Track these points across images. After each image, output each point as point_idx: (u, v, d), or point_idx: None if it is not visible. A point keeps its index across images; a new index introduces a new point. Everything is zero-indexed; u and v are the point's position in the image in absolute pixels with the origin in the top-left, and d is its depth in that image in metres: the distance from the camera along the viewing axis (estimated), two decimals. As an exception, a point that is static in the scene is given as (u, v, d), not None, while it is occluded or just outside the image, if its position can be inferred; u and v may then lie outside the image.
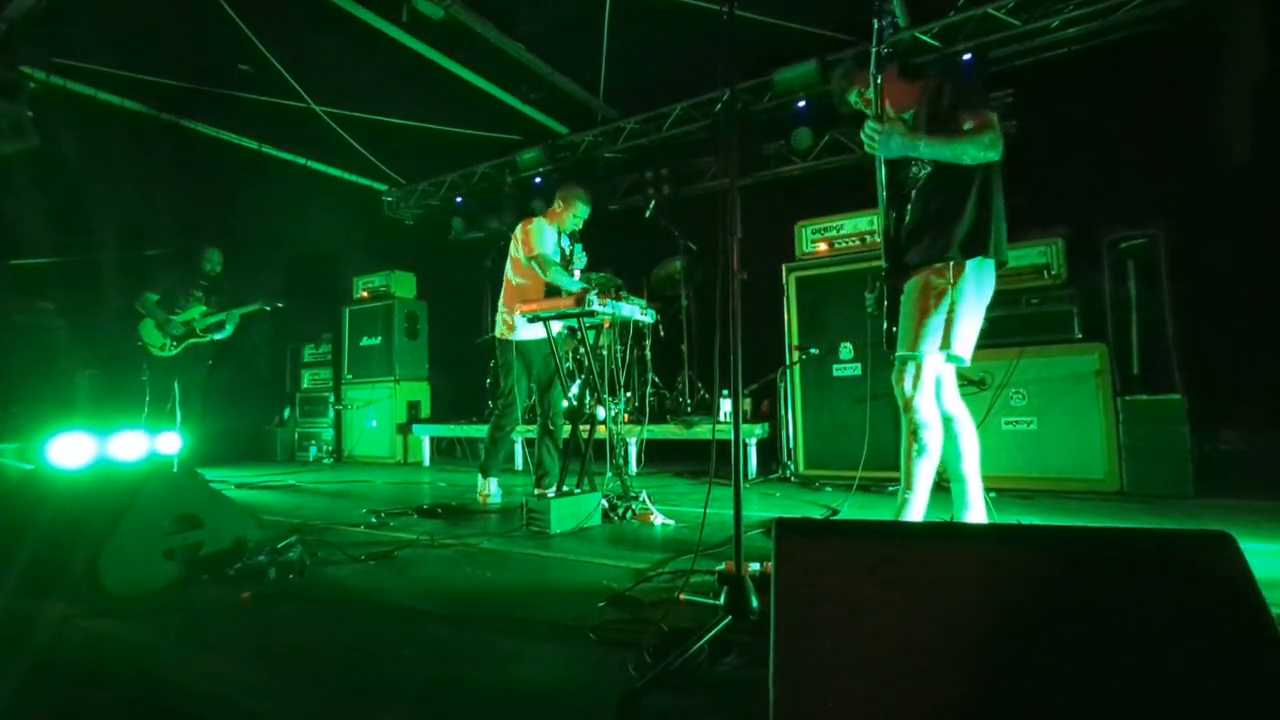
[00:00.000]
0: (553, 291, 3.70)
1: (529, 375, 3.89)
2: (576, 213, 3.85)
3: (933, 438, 2.29)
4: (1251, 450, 4.14)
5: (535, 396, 4.03)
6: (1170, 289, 3.83)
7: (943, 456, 2.38)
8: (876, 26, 2.35)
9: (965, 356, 2.29)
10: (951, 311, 2.22)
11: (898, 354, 2.36)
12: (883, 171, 2.40)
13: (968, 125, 2.16)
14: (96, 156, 5.56)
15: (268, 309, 5.35)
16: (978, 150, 2.15)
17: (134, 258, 5.72)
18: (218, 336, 5.21)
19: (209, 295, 5.20)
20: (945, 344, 2.24)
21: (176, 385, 5.10)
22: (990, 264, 2.26)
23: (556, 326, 3.73)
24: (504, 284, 3.93)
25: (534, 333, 3.76)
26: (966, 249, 2.22)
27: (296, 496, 4.42)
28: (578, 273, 3.77)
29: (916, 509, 2.31)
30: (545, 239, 3.77)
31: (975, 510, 2.34)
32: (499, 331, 3.92)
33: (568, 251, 3.88)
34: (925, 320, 2.25)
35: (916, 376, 2.27)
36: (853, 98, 2.51)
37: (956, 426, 2.35)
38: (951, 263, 2.23)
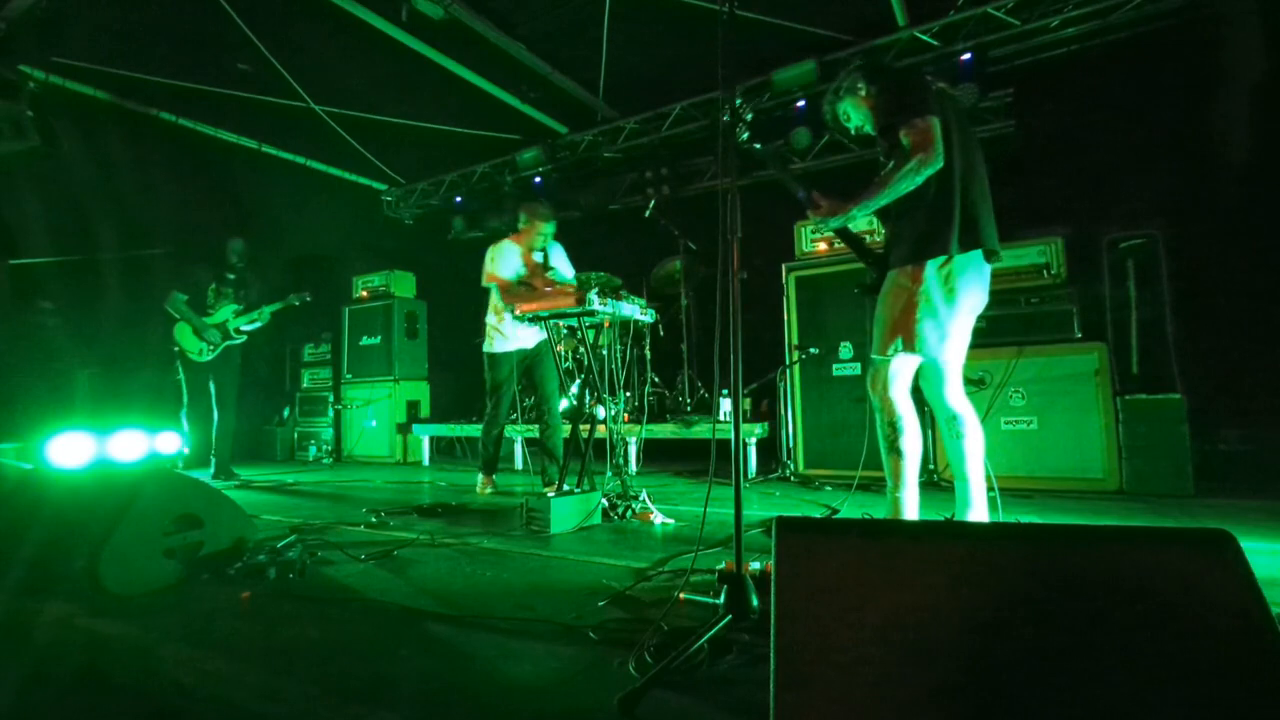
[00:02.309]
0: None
1: (507, 382, 4.04)
2: (540, 230, 3.98)
3: (906, 440, 2.29)
4: (1251, 450, 4.15)
5: (532, 401, 4.16)
6: (1170, 289, 3.83)
7: (947, 455, 2.39)
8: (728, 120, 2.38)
9: (937, 358, 2.28)
10: (912, 313, 2.23)
11: (870, 356, 2.38)
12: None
13: (904, 140, 2.14)
14: (96, 156, 5.55)
15: (296, 303, 5.25)
16: (909, 182, 2.14)
17: (137, 257, 5.71)
18: (247, 329, 5.12)
19: (238, 291, 5.07)
20: (909, 346, 2.24)
21: (212, 385, 5.02)
22: (961, 261, 2.21)
23: (535, 336, 3.84)
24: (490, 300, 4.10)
25: (505, 345, 4.01)
26: (923, 251, 2.23)
27: (296, 496, 4.42)
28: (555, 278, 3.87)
29: (909, 506, 2.30)
30: (502, 263, 3.93)
31: (977, 509, 2.33)
32: (485, 345, 4.14)
33: (542, 261, 3.98)
34: (888, 323, 2.29)
35: (885, 378, 2.29)
36: (829, 118, 2.54)
37: (962, 426, 2.34)
38: (910, 266, 2.25)
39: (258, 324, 5.12)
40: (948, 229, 2.19)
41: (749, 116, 2.39)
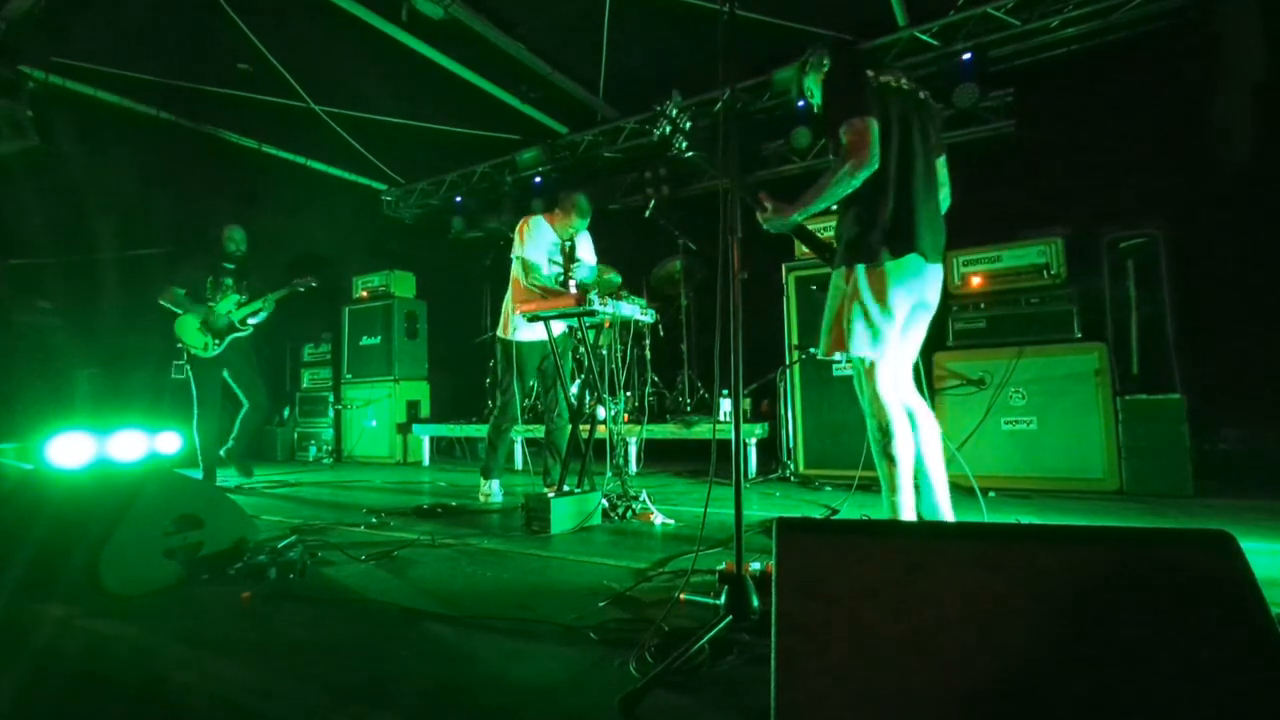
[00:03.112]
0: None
1: (524, 375, 3.90)
2: (573, 224, 3.87)
3: (898, 445, 2.23)
4: (1251, 450, 4.15)
5: (540, 395, 4.06)
6: (1170, 289, 3.83)
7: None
8: (660, 134, 2.42)
9: (875, 360, 2.24)
10: (845, 315, 2.26)
11: (852, 359, 2.39)
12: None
13: (843, 139, 2.11)
14: (96, 156, 5.55)
15: (301, 289, 5.00)
16: (845, 186, 2.11)
17: (137, 257, 5.69)
18: (254, 321, 4.90)
19: (239, 281, 4.84)
20: (844, 347, 2.25)
21: (230, 379, 4.84)
22: (891, 267, 2.19)
23: (558, 326, 3.76)
24: (511, 281, 3.94)
25: (530, 334, 3.81)
26: (852, 255, 2.25)
27: (296, 496, 4.41)
28: (572, 285, 3.77)
29: (906, 510, 2.28)
30: (536, 240, 3.79)
31: (942, 506, 2.31)
32: (499, 330, 3.96)
33: (567, 249, 3.89)
34: (828, 324, 2.36)
35: (872, 379, 2.26)
36: (794, 94, 2.56)
37: (914, 421, 2.32)
38: (844, 268, 2.28)
39: (263, 313, 4.88)
40: (877, 234, 2.19)
41: (687, 125, 2.41)
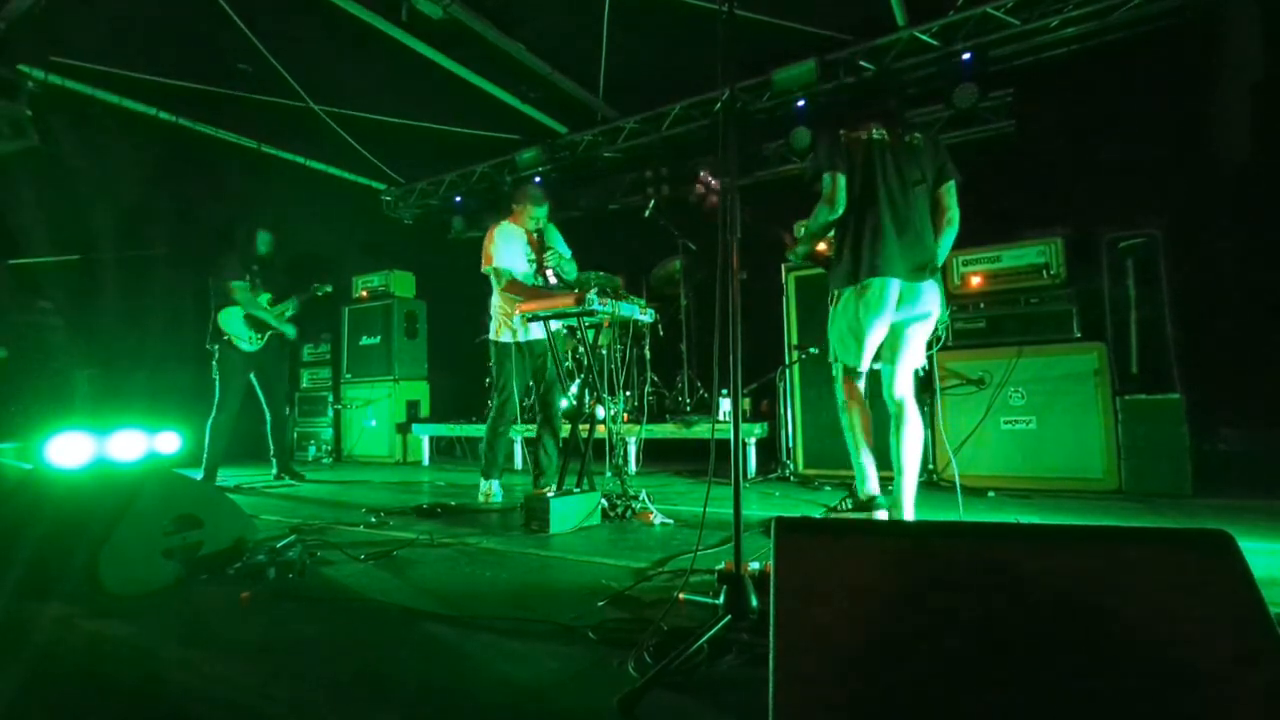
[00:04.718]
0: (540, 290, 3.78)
1: (524, 376, 3.90)
2: (532, 214, 3.89)
3: (853, 418, 2.81)
4: (1251, 450, 4.14)
5: (534, 396, 4.05)
6: (1170, 289, 3.83)
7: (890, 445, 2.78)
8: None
9: (857, 365, 2.78)
10: (831, 329, 2.83)
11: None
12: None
13: (821, 189, 2.69)
14: (96, 156, 5.55)
15: (319, 294, 5.24)
16: (817, 225, 2.76)
17: (136, 257, 5.68)
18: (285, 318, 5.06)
19: (266, 282, 4.98)
20: (834, 356, 2.85)
21: (256, 382, 4.92)
22: (858, 288, 2.64)
23: (553, 325, 3.78)
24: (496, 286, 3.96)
25: (521, 335, 3.83)
26: (832, 280, 2.80)
27: (296, 495, 4.42)
28: (549, 273, 3.85)
29: (869, 467, 2.79)
30: (508, 242, 3.83)
31: (906, 504, 2.67)
32: (491, 333, 3.96)
33: (535, 238, 3.93)
34: (827, 335, 2.91)
35: (839, 376, 2.86)
36: None
37: (903, 415, 2.72)
38: (830, 289, 2.83)
39: (289, 314, 5.04)
40: (846, 261, 2.69)
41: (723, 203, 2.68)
